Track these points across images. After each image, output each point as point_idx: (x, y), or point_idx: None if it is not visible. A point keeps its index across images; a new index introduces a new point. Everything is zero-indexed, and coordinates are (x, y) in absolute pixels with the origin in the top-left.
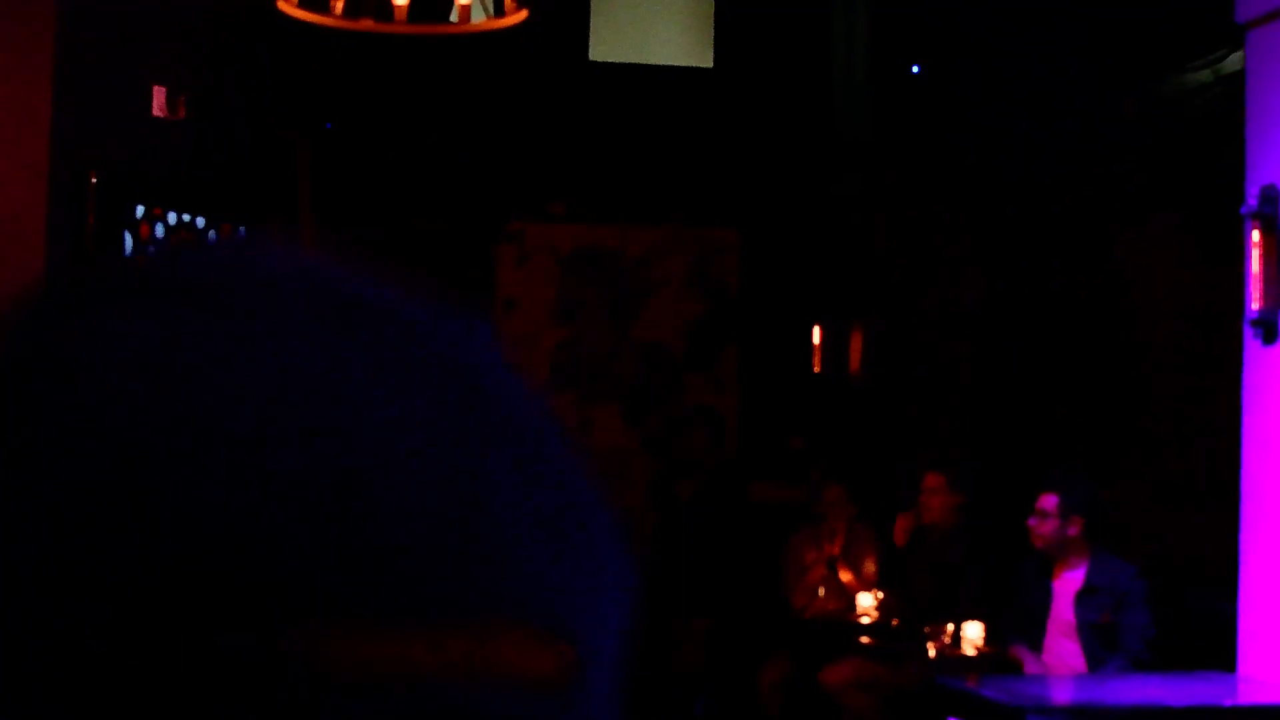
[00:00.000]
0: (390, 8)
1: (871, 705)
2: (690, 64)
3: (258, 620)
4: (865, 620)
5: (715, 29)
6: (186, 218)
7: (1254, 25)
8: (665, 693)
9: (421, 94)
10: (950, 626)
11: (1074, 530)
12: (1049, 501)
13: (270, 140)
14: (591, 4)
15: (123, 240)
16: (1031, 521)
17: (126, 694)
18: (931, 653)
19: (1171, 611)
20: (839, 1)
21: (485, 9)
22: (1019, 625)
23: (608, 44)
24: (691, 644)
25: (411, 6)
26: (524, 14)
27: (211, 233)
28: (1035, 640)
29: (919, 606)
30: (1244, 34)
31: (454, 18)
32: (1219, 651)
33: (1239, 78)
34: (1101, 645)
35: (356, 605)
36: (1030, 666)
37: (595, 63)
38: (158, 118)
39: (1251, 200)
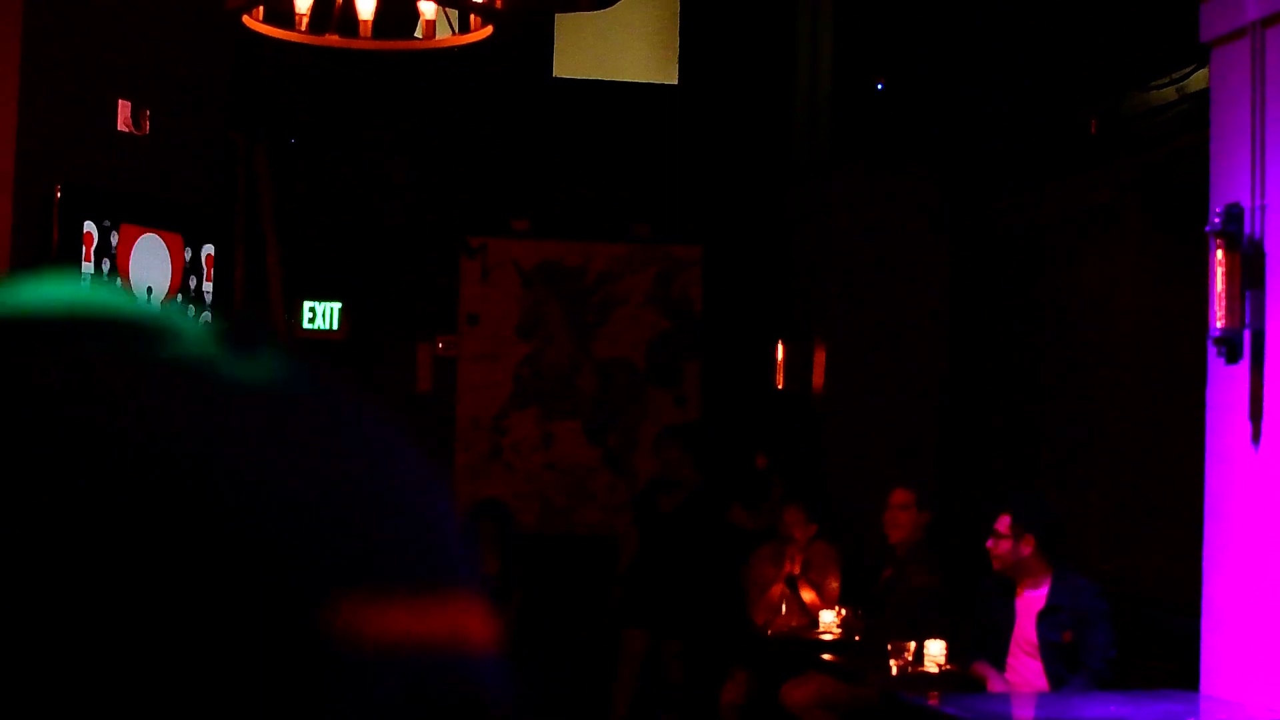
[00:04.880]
0: (355, 23)
1: None
2: (655, 80)
3: (263, 600)
4: (827, 638)
5: (680, 46)
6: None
7: (1218, 44)
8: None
9: (386, 109)
10: (912, 644)
11: (1026, 550)
12: (1003, 522)
13: (234, 154)
14: (556, 20)
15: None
16: (989, 543)
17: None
18: (894, 670)
19: (1134, 630)
20: (803, 19)
21: (450, 25)
22: (982, 643)
23: (572, 60)
24: (667, 661)
25: (376, 22)
26: (489, 30)
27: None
28: (998, 658)
29: (888, 626)
30: (1208, 52)
31: (419, 33)
32: (1182, 670)
33: (1203, 95)
34: (1064, 664)
35: (340, 579)
36: (993, 684)
37: (559, 79)
38: (122, 132)
39: (1215, 218)
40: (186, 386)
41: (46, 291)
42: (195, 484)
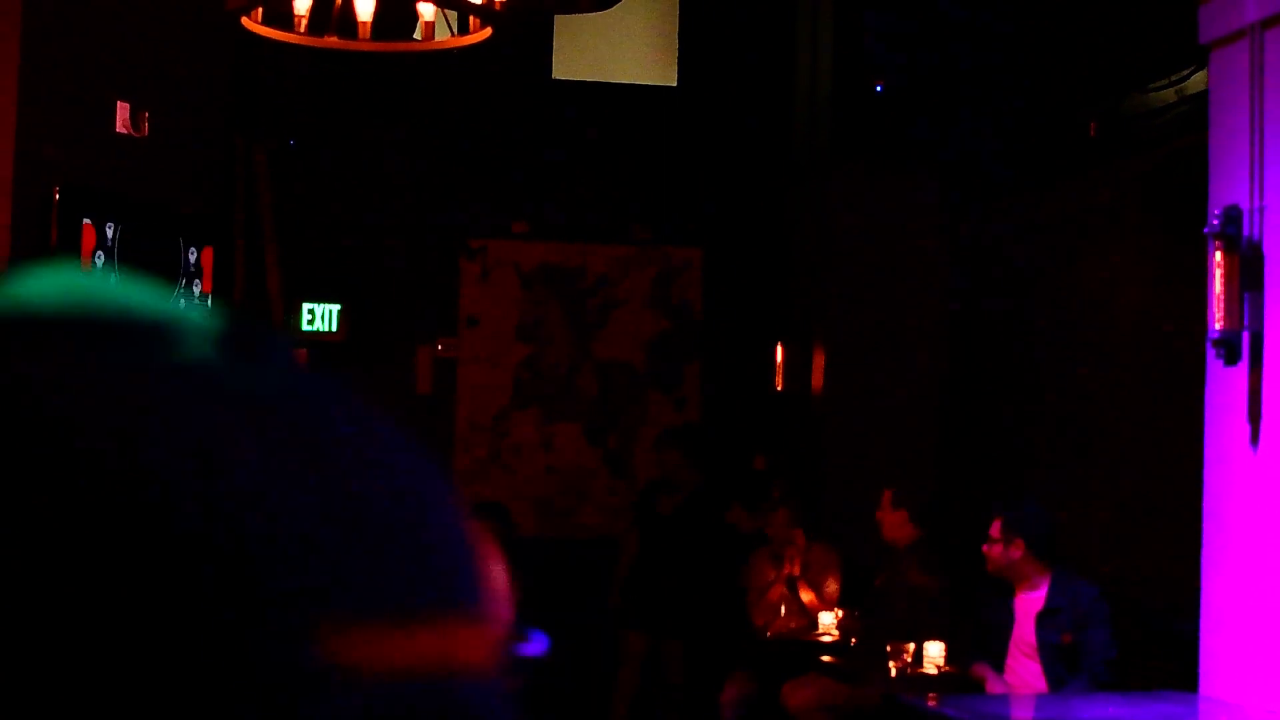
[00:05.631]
0: (354, 25)
1: None
2: (654, 82)
3: (243, 623)
4: (826, 639)
5: (679, 47)
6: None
7: (1217, 45)
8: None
9: (385, 111)
10: (911, 645)
11: (1016, 553)
12: (994, 526)
13: (233, 156)
14: (555, 22)
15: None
16: (984, 547)
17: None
18: (893, 671)
19: (1134, 631)
20: (803, 20)
21: (449, 26)
22: (981, 644)
23: (571, 62)
24: (667, 663)
25: (375, 23)
26: (488, 32)
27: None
28: (997, 660)
29: (885, 627)
30: (1207, 54)
31: (418, 35)
32: (1181, 671)
33: (1203, 97)
34: (1063, 665)
35: (330, 604)
36: (993, 686)
37: (558, 80)
38: (121, 134)
39: (1214, 220)
40: (185, 391)
41: (45, 292)
42: (189, 495)
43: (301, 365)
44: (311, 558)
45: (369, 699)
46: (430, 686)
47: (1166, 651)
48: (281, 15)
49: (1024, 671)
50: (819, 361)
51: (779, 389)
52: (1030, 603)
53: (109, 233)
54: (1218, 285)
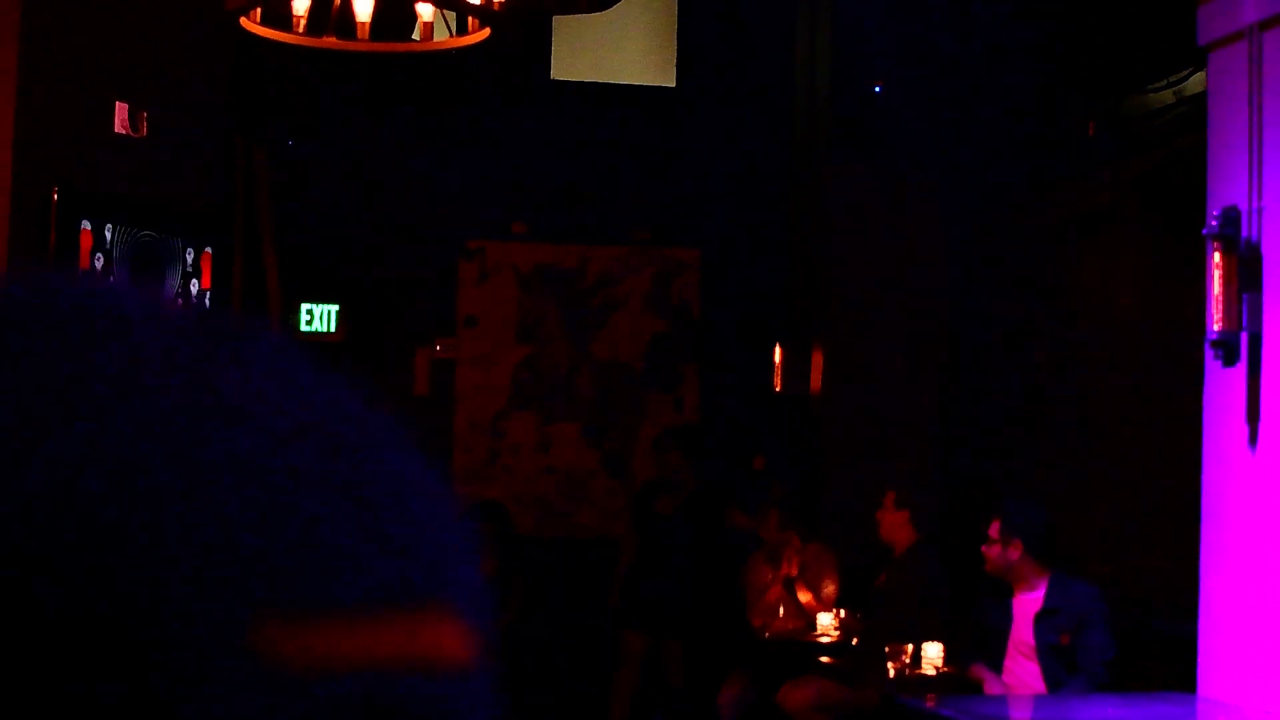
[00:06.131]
0: (353, 25)
1: None
2: (653, 82)
3: (220, 615)
4: (825, 640)
5: (678, 48)
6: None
7: (1215, 47)
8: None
9: (383, 112)
10: (910, 646)
11: (1014, 554)
12: (993, 527)
13: (232, 156)
14: (554, 23)
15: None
16: (983, 547)
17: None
18: (891, 672)
19: (1132, 632)
20: (802, 21)
21: (448, 27)
22: (980, 645)
23: (570, 62)
24: (666, 663)
25: (374, 24)
26: (486, 32)
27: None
28: (996, 661)
29: (884, 628)
30: (1206, 55)
31: (417, 35)
32: (1180, 672)
33: (1201, 98)
34: (1061, 666)
35: (301, 598)
36: (991, 687)
37: (557, 81)
38: (120, 134)
39: (1213, 221)
40: (180, 388)
41: (44, 292)
42: (167, 491)
43: (292, 359)
44: (297, 549)
45: (340, 691)
46: (399, 678)
47: (1166, 651)
48: (280, 15)
49: (1022, 672)
50: (818, 362)
51: (778, 390)
52: (1028, 603)
53: (107, 233)
54: (1216, 286)
